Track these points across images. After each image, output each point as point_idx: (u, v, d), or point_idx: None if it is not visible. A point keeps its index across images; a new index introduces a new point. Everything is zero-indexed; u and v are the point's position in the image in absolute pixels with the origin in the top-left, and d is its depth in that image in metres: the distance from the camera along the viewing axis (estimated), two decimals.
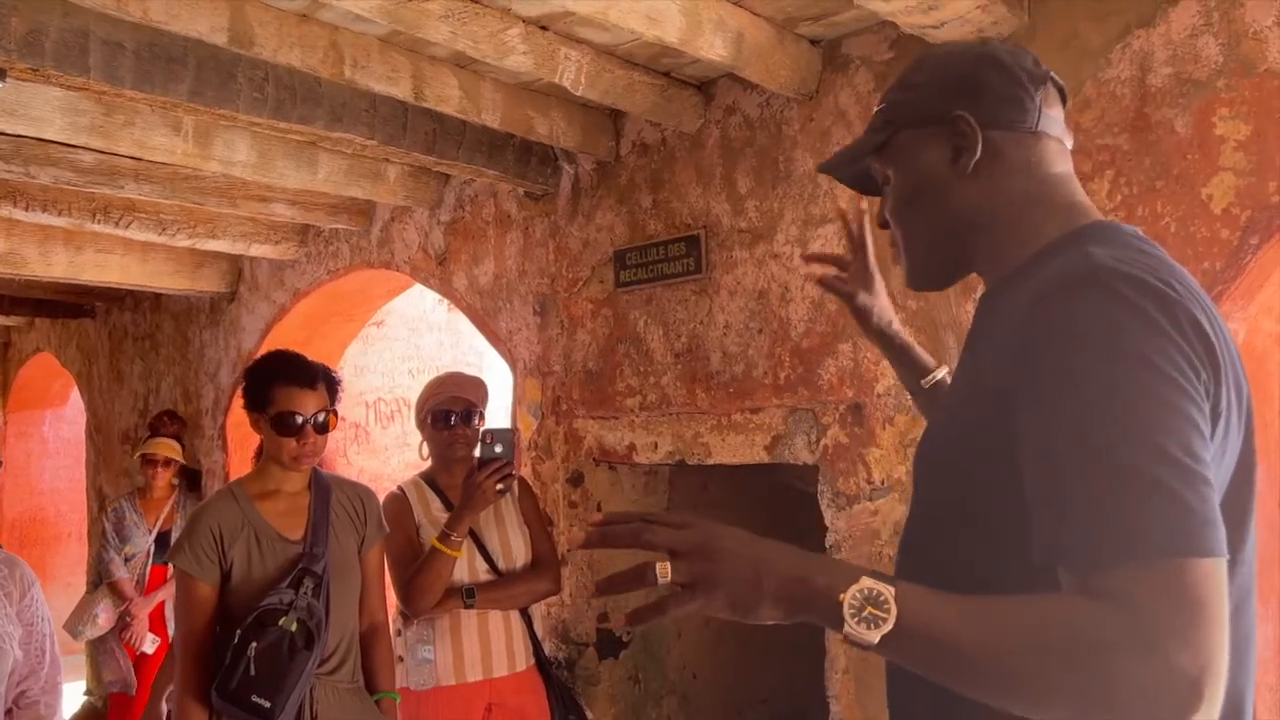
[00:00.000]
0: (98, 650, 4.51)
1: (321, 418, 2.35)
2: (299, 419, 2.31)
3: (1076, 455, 0.88)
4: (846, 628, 0.88)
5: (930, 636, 0.87)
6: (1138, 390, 0.88)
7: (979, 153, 1.10)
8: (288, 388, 2.32)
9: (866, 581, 0.89)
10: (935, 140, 1.13)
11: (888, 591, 0.88)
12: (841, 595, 0.89)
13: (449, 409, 2.73)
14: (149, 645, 4.32)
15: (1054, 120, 1.13)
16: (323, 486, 2.44)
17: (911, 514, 1.21)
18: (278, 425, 2.31)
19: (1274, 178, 2.19)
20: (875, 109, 1.22)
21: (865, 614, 0.88)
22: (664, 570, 0.93)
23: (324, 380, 2.40)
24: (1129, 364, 0.89)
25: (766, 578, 0.92)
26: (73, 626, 4.36)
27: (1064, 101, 1.16)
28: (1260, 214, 2.21)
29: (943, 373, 1.52)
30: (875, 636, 0.87)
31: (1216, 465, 0.93)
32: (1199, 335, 0.93)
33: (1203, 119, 2.30)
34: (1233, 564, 0.95)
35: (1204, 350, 0.92)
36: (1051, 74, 1.15)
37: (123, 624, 4.32)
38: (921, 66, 1.19)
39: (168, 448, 4.58)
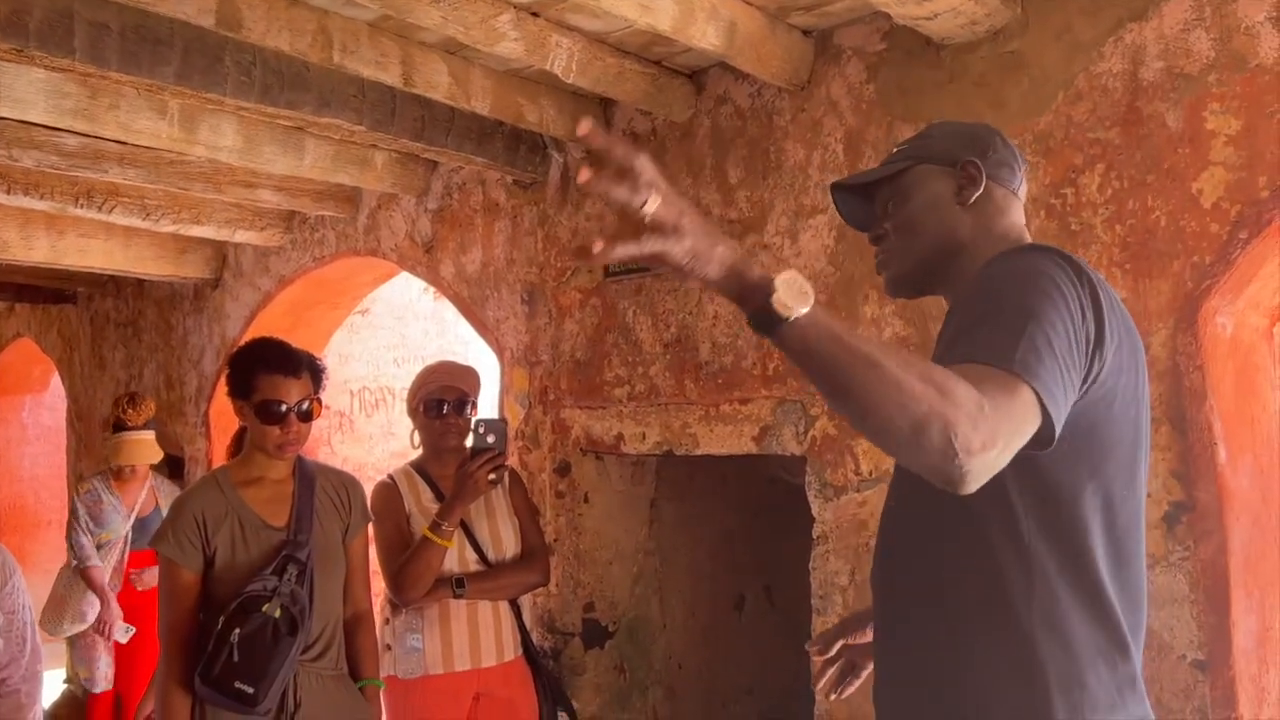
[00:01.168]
0: (78, 644, 4.30)
1: (305, 406, 2.33)
2: (282, 407, 2.29)
3: (987, 308, 1.17)
4: (775, 297, 1.03)
5: (832, 330, 1.05)
6: (1040, 294, 1.16)
7: (981, 190, 1.39)
8: (271, 375, 2.30)
9: (789, 273, 1.05)
10: (946, 175, 1.41)
11: (809, 285, 1.05)
12: (775, 277, 1.05)
13: (442, 398, 2.71)
14: (122, 634, 4.12)
15: (1023, 189, 1.47)
16: (307, 474, 2.42)
17: (891, 496, 1.42)
18: (261, 413, 2.29)
19: (1264, 173, 2.20)
20: (894, 149, 1.50)
21: (795, 287, 1.03)
22: (654, 201, 1.03)
23: (308, 368, 2.38)
24: (1039, 280, 1.18)
25: (722, 244, 1.06)
26: (51, 624, 4.05)
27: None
28: (1250, 209, 2.22)
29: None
30: (804, 306, 1.03)
31: (1106, 405, 1.21)
32: (1092, 295, 1.20)
33: (1194, 113, 2.31)
34: (1128, 491, 1.25)
35: (1093, 307, 1.19)
36: (1026, 161, 1.50)
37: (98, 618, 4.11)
38: (940, 126, 1.51)
39: (142, 452, 4.21)
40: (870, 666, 1.63)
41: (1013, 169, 1.43)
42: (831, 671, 1.69)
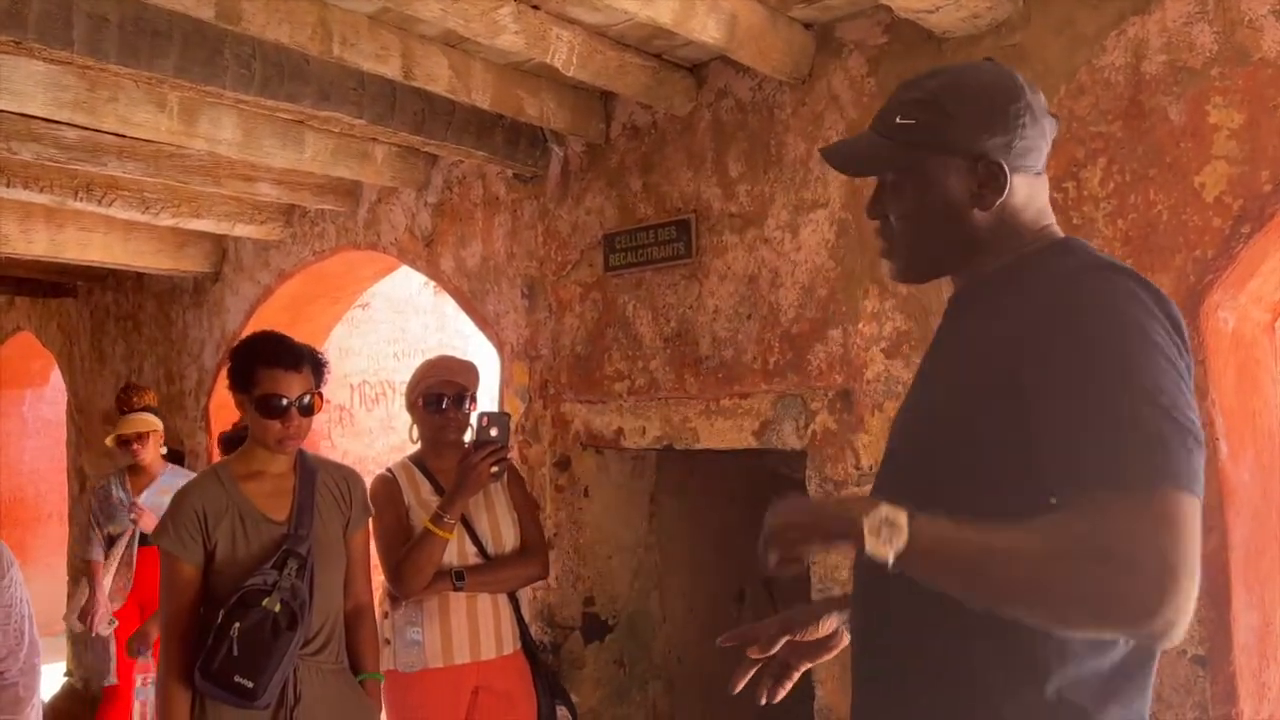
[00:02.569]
0: (93, 640, 4.32)
1: (306, 400, 2.33)
2: (283, 401, 2.29)
3: (1087, 404, 1.03)
4: (871, 541, 1.04)
5: (939, 546, 1.04)
6: (1143, 359, 1.04)
7: (1004, 195, 1.23)
8: (272, 370, 2.30)
9: (883, 509, 1.05)
10: (962, 172, 1.23)
11: (900, 517, 1.04)
12: (865, 519, 1.05)
13: (441, 392, 2.71)
14: (105, 627, 4.15)
15: (1047, 159, 1.29)
16: (308, 468, 2.42)
17: (886, 486, 1.31)
18: (262, 407, 2.29)
19: (1266, 166, 2.19)
20: (900, 118, 1.25)
21: (881, 534, 1.04)
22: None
23: (309, 362, 2.38)
24: (1135, 336, 1.06)
25: (815, 533, 1.14)
26: (70, 619, 4.19)
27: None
28: (1252, 203, 2.21)
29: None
30: (892, 548, 1.03)
31: None
32: (1179, 330, 1.11)
33: (1196, 107, 2.30)
34: None
35: (1182, 343, 1.10)
36: (1056, 117, 1.31)
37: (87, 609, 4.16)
38: (959, 93, 1.24)
39: (140, 423, 4.30)
40: (805, 667, 1.52)
41: (1040, 150, 1.26)
42: (766, 678, 1.50)
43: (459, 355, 2.99)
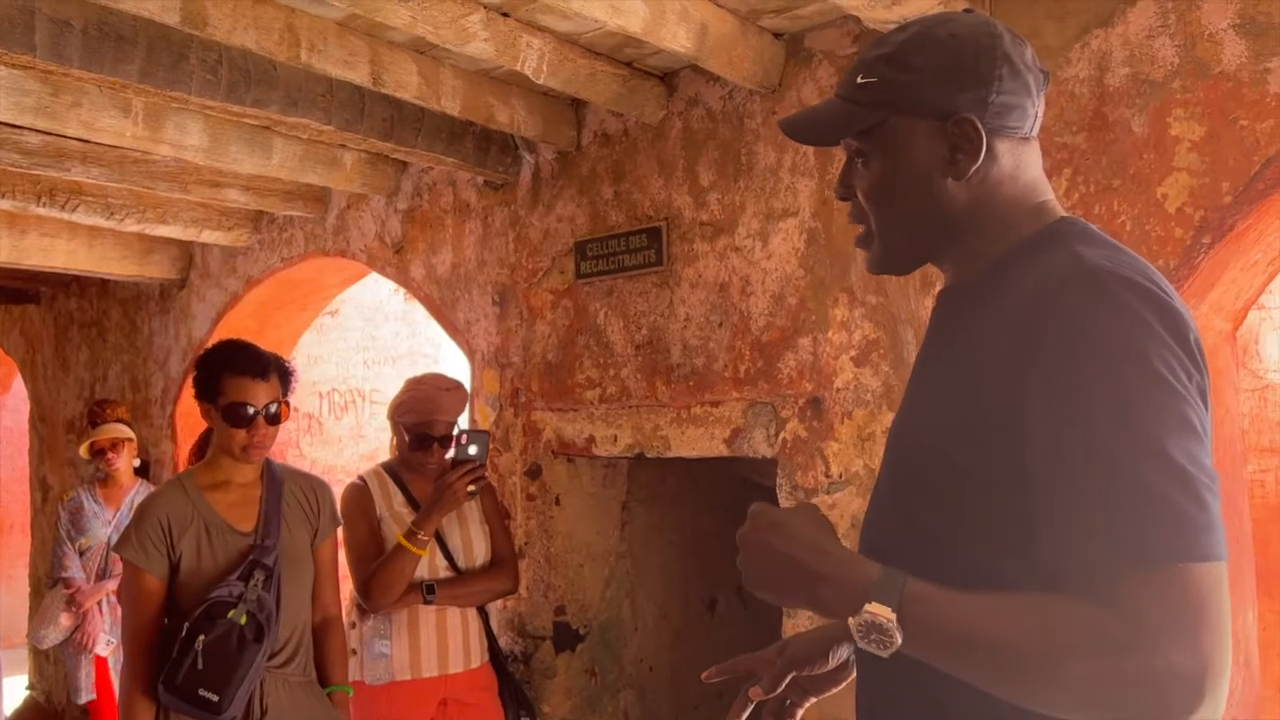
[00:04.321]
0: (64, 655, 4.22)
1: (273, 409, 2.31)
2: (250, 410, 2.27)
3: (1085, 465, 0.90)
4: (861, 643, 0.95)
5: (942, 640, 0.93)
6: (1144, 400, 0.90)
7: (980, 160, 1.07)
8: (239, 378, 2.28)
9: (869, 610, 0.94)
10: (932, 134, 1.07)
11: (890, 619, 0.93)
12: (850, 620, 0.95)
13: (430, 434, 2.68)
14: (103, 647, 4.08)
15: (1040, 121, 1.12)
16: (275, 478, 2.40)
17: (879, 500, 1.19)
18: (228, 416, 2.27)
19: (1227, 178, 2.23)
20: (861, 77, 1.10)
21: (873, 639, 0.94)
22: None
23: (276, 371, 2.36)
24: (1135, 372, 0.91)
25: (795, 585, 1.00)
26: (35, 634, 4.05)
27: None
28: (1213, 214, 2.24)
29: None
30: (886, 653, 0.94)
31: None
32: (1186, 340, 0.95)
33: (1158, 119, 2.33)
34: None
35: (1190, 356, 0.95)
36: (1046, 72, 1.14)
37: (78, 626, 4.05)
38: (924, 45, 1.08)
39: (115, 430, 4.25)
40: (809, 702, 1.34)
41: (1025, 108, 1.08)
42: (768, 716, 1.33)
43: (445, 374, 2.91)
